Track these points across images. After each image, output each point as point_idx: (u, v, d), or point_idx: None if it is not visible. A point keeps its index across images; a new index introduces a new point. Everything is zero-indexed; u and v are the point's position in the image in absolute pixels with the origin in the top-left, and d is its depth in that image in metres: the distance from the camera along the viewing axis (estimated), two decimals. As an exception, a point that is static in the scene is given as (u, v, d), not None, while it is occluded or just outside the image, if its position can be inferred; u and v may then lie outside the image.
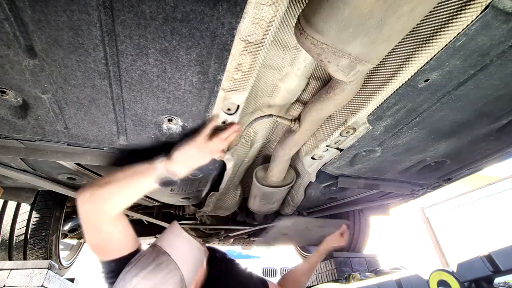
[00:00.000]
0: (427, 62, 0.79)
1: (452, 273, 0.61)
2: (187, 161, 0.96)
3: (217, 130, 0.99)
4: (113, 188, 0.89)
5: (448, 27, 0.69)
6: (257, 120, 1.08)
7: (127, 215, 2.44)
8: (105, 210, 0.88)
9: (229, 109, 0.92)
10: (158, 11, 0.58)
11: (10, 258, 1.93)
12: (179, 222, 2.50)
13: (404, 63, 0.81)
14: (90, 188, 0.90)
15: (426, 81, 0.86)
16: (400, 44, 0.80)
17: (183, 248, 0.92)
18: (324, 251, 1.62)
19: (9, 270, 1.76)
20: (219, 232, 2.74)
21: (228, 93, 0.86)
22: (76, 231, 2.41)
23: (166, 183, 0.94)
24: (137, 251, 0.93)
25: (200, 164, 1.00)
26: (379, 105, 0.97)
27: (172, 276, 0.83)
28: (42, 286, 1.74)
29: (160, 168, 0.92)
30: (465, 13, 0.66)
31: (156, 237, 2.84)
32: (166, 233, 0.97)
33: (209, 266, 1.01)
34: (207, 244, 2.88)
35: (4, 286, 1.70)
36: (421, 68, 0.81)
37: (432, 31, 0.72)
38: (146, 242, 3.15)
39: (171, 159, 0.94)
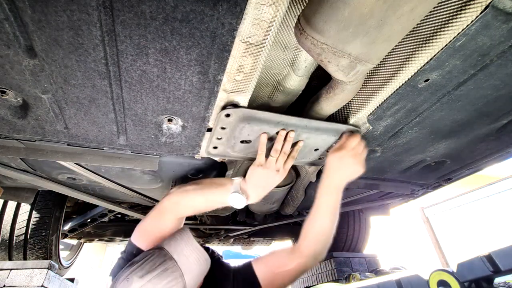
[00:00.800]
0: (427, 62, 0.79)
1: (452, 273, 0.61)
2: (258, 185, 1.03)
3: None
4: (196, 192, 1.02)
5: (448, 27, 0.69)
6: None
7: (127, 215, 2.45)
8: (179, 209, 1.03)
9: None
10: (158, 11, 0.58)
11: (10, 258, 1.93)
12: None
13: (404, 63, 0.81)
14: (185, 186, 1.05)
15: (426, 81, 0.86)
16: (400, 44, 0.80)
17: (191, 258, 0.92)
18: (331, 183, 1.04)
19: (9, 270, 1.76)
20: (219, 232, 2.74)
21: (231, 95, 0.86)
22: (76, 231, 2.41)
23: (237, 201, 1.00)
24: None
25: (271, 187, 1.05)
26: (379, 105, 0.97)
27: (175, 284, 0.84)
28: (42, 286, 1.74)
29: (236, 184, 1.01)
30: (465, 13, 0.66)
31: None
32: (176, 238, 0.96)
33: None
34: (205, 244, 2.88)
35: (4, 286, 1.70)
36: (421, 68, 0.81)
37: (432, 31, 0.72)
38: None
39: (247, 185, 1.02)
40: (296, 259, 1.02)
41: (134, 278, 0.82)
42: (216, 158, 1.16)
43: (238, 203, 1.00)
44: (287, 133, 0.99)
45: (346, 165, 1.01)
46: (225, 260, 1.19)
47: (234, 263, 1.18)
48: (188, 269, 0.89)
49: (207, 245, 2.60)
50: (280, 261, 1.05)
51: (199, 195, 1.03)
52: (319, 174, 1.48)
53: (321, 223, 1.01)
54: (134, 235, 1.03)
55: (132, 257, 0.93)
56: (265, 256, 1.12)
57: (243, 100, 0.89)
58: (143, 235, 1.02)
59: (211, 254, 1.13)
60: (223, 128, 0.96)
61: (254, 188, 1.02)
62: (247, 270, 1.07)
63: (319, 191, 1.05)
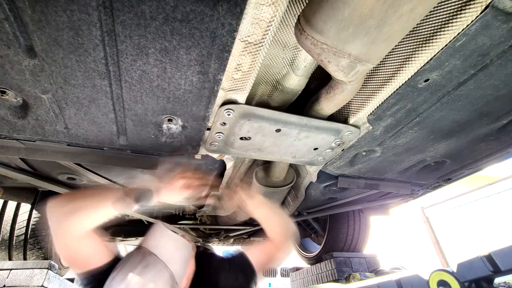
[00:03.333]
0: (427, 62, 0.79)
1: (452, 273, 0.61)
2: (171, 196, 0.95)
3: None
4: (78, 210, 0.86)
5: (448, 27, 0.69)
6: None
7: (127, 215, 2.44)
8: (70, 229, 0.86)
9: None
10: (158, 11, 0.58)
11: (10, 258, 1.93)
12: (179, 222, 2.51)
13: (404, 63, 0.81)
14: (58, 203, 0.88)
15: (426, 81, 0.86)
16: (400, 44, 0.80)
17: (169, 246, 0.92)
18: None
19: (9, 270, 1.76)
20: (219, 232, 2.74)
21: (228, 93, 0.86)
22: (76, 231, 2.41)
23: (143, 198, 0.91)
24: (115, 260, 0.92)
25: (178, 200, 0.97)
26: (379, 105, 0.97)
27: (161, 276, 0.84)
28: (42, 286, 1.74)
29: (119, 193, 0.88)
30: (465, 13, 0.66)
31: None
32: (150, 234, 0.97)
33: (196, 261, 1.03)
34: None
35: (4, 286, 1.70)
36: (421, 68, 0.81)
37: (432, 31, 0.72)
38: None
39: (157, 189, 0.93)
40: (275, 247, 1.14)
41: (116, 282, 0.81)
42: (215, 156, 1.16)
43: (143, 199, 0.91)
44: None
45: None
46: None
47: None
48: (170, 258, 0.89)
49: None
50: (269, 248, 1.15)
51: (85, 209, 0.88)
52: (319, 174, 1.48)
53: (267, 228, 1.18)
54: (74, 269, 0.93)
55: (98, 282, 0.87)
56: (255, 246, 1.21)
57: (241, 98, 0.89)
58: (76, 264, 0.91)
59: (203, 250, 1.15)
60: (223, 125, 0.96)
61: (160, 185, 0.93)
62: (241, 258, 1.10)
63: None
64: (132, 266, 0.84)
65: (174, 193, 0.95)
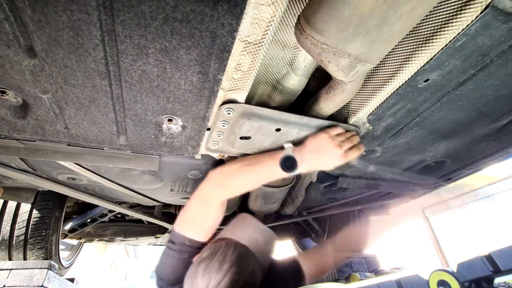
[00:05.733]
0: (427, 62, 0.79)
1: (452, 273, 0.61)
2: (315, 152, 0.96)
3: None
4: (243, 172, 0.96)
5: (448, 27, 0.69)
6: None
7: (127, 215, 2.45)
8: (226, 190, 0.97)
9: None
10: (158, 11, 0.58)
11: (10, 258, 1.93)
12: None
13: (404, 63, 0.81)
14: (224, 168, 0.99)
15: (426, 81, 0.86)
16: (400, 44, 0.80)
17: (261, 240, 0.96)
18: (342, 246, 1.36)
19: (9, 270, 1.76)
20: (219, 232, 2.73)
21: (228, 93, 0.86)
22: (76, 231, 2.41)
23: (289, 165, 0.93)
24: (203, 245, 0.98)
25: (324, 164, 0.98)
26: (379, 105, 0.97)
27: (253, 267, 0.87)
28: (42, 286, 1.74)
29: (288, 148, 0.95)
30: (465, 13, 0.66)
31: (156, 237, 2.84)
32: (240, 226, 1.02)
33: None
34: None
35: (4, 286, 1.70)
36: (421, 68, 0.81)
37: (432, 31, 0.72)
38: (146, 242, 3.15)
39: (302, 149, 0.96)
40: (332, 262, 1.16)
41: (213, 273, 0.82)
42: (215, 155, 1.16)
43: (290, 166, 0.93)
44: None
45: (324, 150, 0.97)
46: None
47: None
48: (260, 250, 0.93)
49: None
50: (325, 260, 1.16)
51: (246, 171, 0.97)
52: (319, 174, 1.48)
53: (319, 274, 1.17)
54: (179, 225, 1.00)
55: (186, 248, 0.95)
56: (308, 254, 1.22)
57: (240, 98, 0.89)
58: (191, 225, 0.99)
59: None
60: (223, 124, 0.96)
61: (309, 154, 0.95)
62: (293, 265, 1.10)
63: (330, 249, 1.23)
64: (226, 257, 0.86)
65: (316, 164, 0.96)
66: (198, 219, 0.98)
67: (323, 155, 0.95)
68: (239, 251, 0.88)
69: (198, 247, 0.97)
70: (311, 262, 1.11)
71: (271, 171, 0.96)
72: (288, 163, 0.92)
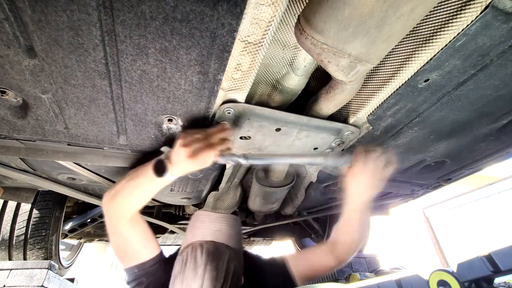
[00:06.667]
0: (427, 62, 0.79)
1: (452, 273, 0.61)
2: (180, 165, 0.86)
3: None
4: (126, 188, 0.90)
5: (448, 27, 0.69)
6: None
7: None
8: (121, 210, 0.90)
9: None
10: (158, 11, 0.58)
11: (10, 258, 1.93)
12: (179, 222, 2.51)
13: (404, 63, 0.81)
14: (110, 190, 0.93)
15: (426, 81, 0.86)
16: (400, 44, 0.80)
17: (224, 227, 0.92)
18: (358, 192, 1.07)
19: (9, 270, 1.76)
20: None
21: (228, 93, 0.86)
22: (76, 231, 2.41)
23: (159, 169, 0.86)
24: (158, 257, 0.93)
25: (192, 170, 0.88)
26: (379, 105, 0.97)
27: (228, 255, 0.85)
28: (42, 286, 1.74)
29: (164, 154, 0.88)
30: (465, 13, 0.66)
31: (156, 237, 2.84)
32: (196, 226, 0.97)
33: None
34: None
35: (4, 286, 1.70)
36: (421, 68, 0.81)
37: (432, 31, 0.72)
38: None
39: (170, 158, 0.87)
40: (333, 260, 1.05)
41: (191, 282, 0.79)
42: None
43: (160, 170, 0.86)
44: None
45: (365, 185, 0.97)
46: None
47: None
48: (228, 236, 0.90)
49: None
50: (320, 258, 1.06)
51: (127, 188, 0.91)
52: (319, 174, 1.48)
53: (353, 237, 1.07)
54: (124, 264, 0.95)
55: (141, 273, 0.90)
56: (301, 253, 1.17)
57: (240, 97, 0.89)
58: (126, 255, 0.94)
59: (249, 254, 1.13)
60: None
61: (173, 156, 0.86)
62: (280, 265, 1.05)
63: (346, 210, 1.07)
64: (198, 260, 0.83)
65: (184, 165, 0.84)
66: (126, 245, 0.93)
67: (184, 167, 0.86)
68: (207, 249, 0.85)
69: (152, 264, 0.93)
70: (303, 263, 1.04)
71: (149, 180, 0.88)
72: (158, 167, 0.86)
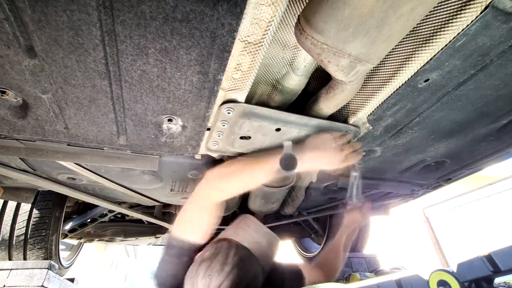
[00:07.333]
0: (427, 62, 0.79)
1: (452, 273, 0.61)
2: (316, 150, 0.94)
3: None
4: (237, 173, 0.95)
5: (448, 27, 0.69)
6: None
7: (127, 215, 2.45)
8: (223, 191, 0.96)
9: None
10: (158, 11, 0.58)
11: (10, 258, 1.93)
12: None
13: (404, 63, 0.81)
14: (221, 168, 0.97)
15: (426, 81, 0.86)
16: (400, 44, 0.80)
17: (263, 242, 0.94)
18: (348, 229, 1.44)
19: (9, 270, 1.76)
20: (220, 232, 2.73)
21: (228, 93, 0.86)
22: (76, 231, 2.41)
23: (288, 164, 0.90)
24: (200, 246, 0.96)
25: (322, 163, 0.97)
26: (379, 105, 0.97)
27: (254, 271, 0.86)
28: (42, 286, 1.74)
29: (288, 146, 0.93)
30: (465, 13, 0.66)
31: (156, 237, 2.84)
32: (242, 228, 1.00)
33: None
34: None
35: (4, 286, 1.70)
36: (421, 68, 0.81)
37: (432, 31, 0.72)
38: (146, 242, 3.15)
39: (303, 148, 0.94)
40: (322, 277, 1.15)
41: (214, 274, 0.81)
42: (215, 155, 1.16)
43: (290, 165, 0.90)
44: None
45: (325, 149, 0.97)
46: None
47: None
48: (263, 253, 0.91)
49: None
50: (318, 276, 1.16)
51: (244, 172, 0.95)
52: (319, 173, 1.48)
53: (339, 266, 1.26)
54: (177, 228, 0.98)
55: (185, 251, 0.93)
56: (311, 267, 1.24)
57: (240, 97, 0.89)
58: (189, 228, 0.97)
59: None
60: (223, 124, 0.96)
61: (310, 153, 0.93)
62: (296, 271, 1.09)
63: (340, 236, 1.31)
64: (227, 259, 0.85)
65: (333, 164, 0.95)
66: (196, 222, 0.97)
67: (324, 154, 0.94)
68: (241, 254, 0.87)
69: (197, 249, 0.96)
70: (317, 274, 1.10)
71: (269, 171, 0.94)
72: (288, 162, 0.90)
